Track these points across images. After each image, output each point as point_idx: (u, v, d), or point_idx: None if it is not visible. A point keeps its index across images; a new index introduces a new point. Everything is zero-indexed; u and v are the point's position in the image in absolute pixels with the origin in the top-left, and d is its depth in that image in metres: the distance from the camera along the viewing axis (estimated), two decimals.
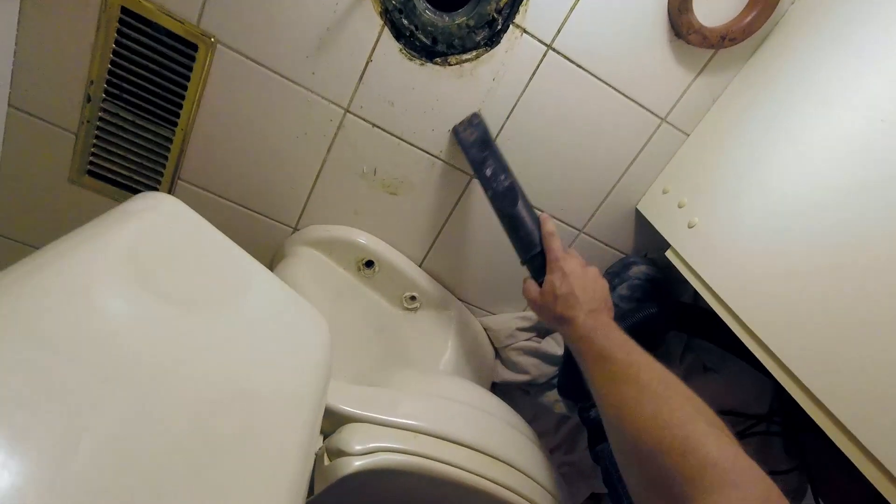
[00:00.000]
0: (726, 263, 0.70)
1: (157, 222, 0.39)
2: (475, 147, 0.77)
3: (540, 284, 0.71)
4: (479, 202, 0.90)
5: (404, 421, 0.58)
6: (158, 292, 0.38)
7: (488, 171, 0.75)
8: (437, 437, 0.58)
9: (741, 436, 0.91)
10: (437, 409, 0.61)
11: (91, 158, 0.78)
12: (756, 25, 0.78)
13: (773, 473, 0.91)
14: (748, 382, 0.90)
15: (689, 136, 0.87)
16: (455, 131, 0.80)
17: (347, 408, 0.57)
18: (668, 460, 0.40)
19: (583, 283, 0.66)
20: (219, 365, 0.39)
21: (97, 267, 0.35)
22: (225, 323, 0.42)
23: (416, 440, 0.56)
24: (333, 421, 0.56)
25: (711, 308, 0.72)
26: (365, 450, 0.52)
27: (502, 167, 0.75)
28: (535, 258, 0.71)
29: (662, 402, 0.47)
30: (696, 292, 0.76)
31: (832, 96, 0.67)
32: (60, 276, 0.32)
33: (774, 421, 0.93)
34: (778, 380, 0.61)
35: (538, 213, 0.74)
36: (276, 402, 0.41)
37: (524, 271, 0.75)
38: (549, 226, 0.71)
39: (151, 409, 0.30)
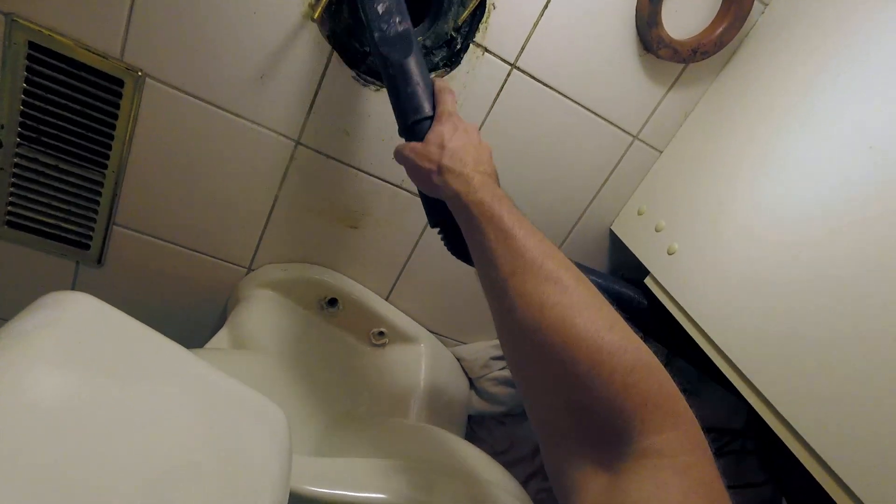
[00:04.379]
0: (708, 294, 0.67)
1: (66, 334, 0.33)
2: None
3: None
4: None
5: (376, 496, 0.53)
6: (92, 403, 0.32)
7: (380, 7, 0.57)
8: None
9: (718, 453, 0.91)
10: (410, 477, 0.56)
11: (9, 208, 0.70)
12: (728, 37, 0.74)
13: (748, 485, 0.95)
14: (725, 405, 0.89)
15: (661, 153, 0.83)
16: None
17: (314, 489, 0.52)
18: (607, 391, 0.35)
19: (476, 145, 0.54)
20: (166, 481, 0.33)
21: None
22: (161, 429, 0.36)
23: None
24: (300, 502, 0.51)
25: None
26: None
27: (399, 9, 0.58)
28: (422, 123, 0.56)
29: (596, 316, 0.38)
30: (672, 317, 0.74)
31: (806, 112, 0.64)
32: None
33: (749, 438, 0.94)
34: (753, 405, 0.61)
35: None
36: None
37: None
38: (445, 83, 0.59)
39: None
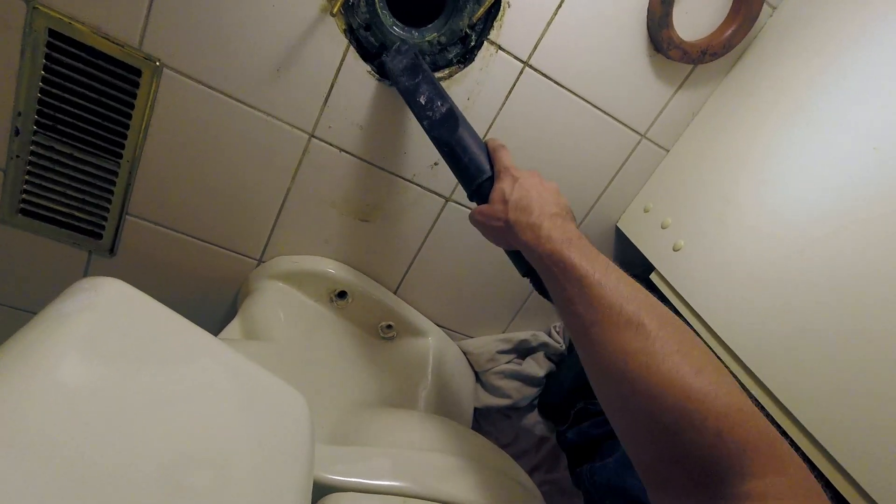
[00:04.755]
0: (713, 290, 0.69)
1: (102, 318, 0.34)
2: (405, 75, 0.66)
3: None
4: (455, 225, 0.85)
5: (390, 484, 0.54)
6: (122, 387, 0.33)
7: (422, 99, 0.64)
8: (426, 499, 0.54)
9: None
10: (423, 465, 0.57)
11: (23, 196, 0.70)
12: (737, 39, 0.75)
13: None
14: None
15: (668, 152, 0.85)
16: (382, 62, 0.69)
17: (329, 476, 0.53)
18: (700, 439, 0.33)
19: (539, 190, 0.54)
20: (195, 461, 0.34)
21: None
22: (194, 412, 0.37)
23: None
24: (315, 490, 0.52)
25: None
26: None
27: (437, 93, 0.65)
28: (485, 184, 0.60)
29: (682, 361, 0.36)
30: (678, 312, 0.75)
31: (812, 114, 0.66)
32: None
33: None
34: (757, 399, 0.61)
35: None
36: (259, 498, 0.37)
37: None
38: (498, 141, 0.62)
39: None
